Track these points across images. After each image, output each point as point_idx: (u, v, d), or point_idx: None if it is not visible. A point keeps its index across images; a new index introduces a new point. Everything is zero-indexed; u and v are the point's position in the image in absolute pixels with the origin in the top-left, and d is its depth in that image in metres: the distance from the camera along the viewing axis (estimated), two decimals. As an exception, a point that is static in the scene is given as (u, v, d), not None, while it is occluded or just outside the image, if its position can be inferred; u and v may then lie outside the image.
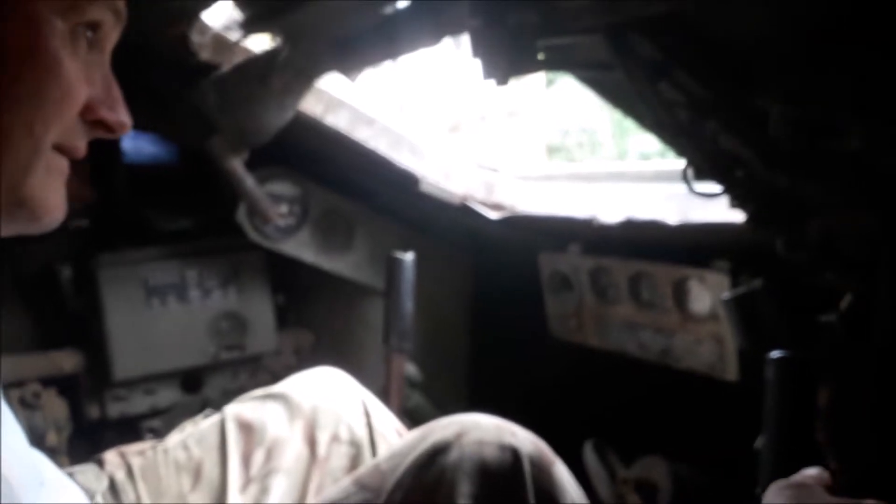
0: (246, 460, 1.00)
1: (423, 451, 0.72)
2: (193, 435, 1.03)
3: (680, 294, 1.28)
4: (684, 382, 1.33)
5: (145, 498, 0.96)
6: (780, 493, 0.54)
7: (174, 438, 1.03)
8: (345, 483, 0.75)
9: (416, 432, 0.75)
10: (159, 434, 1.68)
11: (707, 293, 1.23)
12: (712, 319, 1.23)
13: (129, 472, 0.98)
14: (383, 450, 1.02)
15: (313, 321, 1.94)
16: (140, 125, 1.52)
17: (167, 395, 1.71)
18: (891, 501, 0.95)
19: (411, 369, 1.54)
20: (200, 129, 1.28)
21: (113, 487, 0.96)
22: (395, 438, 1.05)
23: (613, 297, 1.42)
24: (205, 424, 1.04)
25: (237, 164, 1.32)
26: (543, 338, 1.59)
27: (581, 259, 1.46)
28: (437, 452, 0.71)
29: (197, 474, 0.99)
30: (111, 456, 1.00)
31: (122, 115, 0.58)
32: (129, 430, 1.68)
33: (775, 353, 1.02)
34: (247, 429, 1.02)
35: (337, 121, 1.37)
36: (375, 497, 0.71)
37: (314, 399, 1.05)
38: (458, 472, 0.70)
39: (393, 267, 1.43)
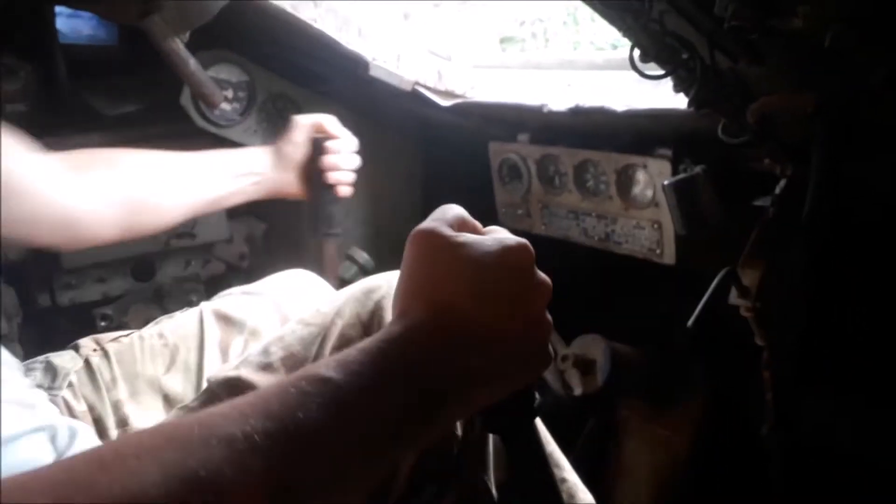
0: (224, 349, 1.04)
1: (357, 291, 0.79)
2: (169, 325, 1.07)
3: (623, 181, 1.31)
4: (624, 266, 1.38)
5: (120, 378, 0.99)
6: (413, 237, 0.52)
7: (150, 328, 1.06)
8: (290, 323, 0.81)
9: (352, 285, 0.82)
10: (112, 321, 1.69)
11: (649, 180, 1.27)
12: (653, 205, 1.27)
13: (105, 355, 1.01)
14: None
15: (264, 209, 1.93)
16: (75, 3, 1.46)
17: (119, 283, 1.71)
18: (813, 375, 1.02)
19: (364, 256, 1.56)
20: (138, 7, 1.23)
21: (88, 366, 0.99)
22: None
23: (560, 185, 1.44)
24: (181, 316, 1.08)
25: (178, 45, 1.27)
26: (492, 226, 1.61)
27: (530, 148, 1.48)
28: (370, 291, 0.78)
29: (172, 358, 1.02)
30: (86, 341, 1.04)
31: None
32: (82, 317, 1.68)
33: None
34: (225, 320, 1.06)
35: (281, 0, 1.33)
36: (319, 329, 0.77)
37: (288, 298, 1.10)
38: (390, 301, 0.75)
39: (313, 150, 1.32)
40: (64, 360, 0.99)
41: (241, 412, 0.42)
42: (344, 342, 0.73)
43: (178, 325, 1.06)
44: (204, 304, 1.09)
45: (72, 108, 1.63)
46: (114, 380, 0.99)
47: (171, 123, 1.68)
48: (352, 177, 1.29)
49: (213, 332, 1.05)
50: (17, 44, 1.53)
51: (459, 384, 0.49)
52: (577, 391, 1.36)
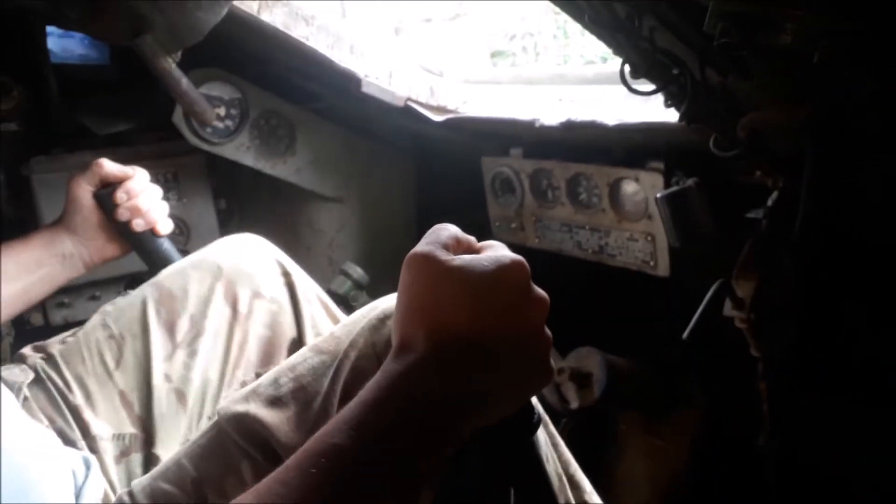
0: (170, 329, 1.01)
1: (373, 318, 0.76)
2: (111, 313, 1.03)
3: (616, 194, 1.32)
4: (618, 279, 1.39)
5: (72, 381, 0.97)
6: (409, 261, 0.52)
7: (93, 320, 1.03)
8: (303, 350, 0.79)
9: (367, 306, 0.80)
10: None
11: (641, 193, 1.27)
12: (646, 218, 1.28)
13: (52, 361, 0.98)
14: (306, 311, 1.06)
15: (257, 226, 1.92)
16: (66, 23, 1.46)
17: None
18: (809, 386, 1.03)
19: (358, 270, 1.56)
20: (130, 26, 1.23)
21: (38, 378, 0.96)
22: (316, 303, 1.08)
23: (553, 198, 1.45)
24: (123, 301, 1.05)
25: (170, 64, 1.27)
26: (487, 240, 1.62)
27: (522, 162, 1.49)
28: (386, 318, 0.75)
29: (119, 350, 1.00)
30: (29, 351, 1.01)
31: None
32: (74, 336, 1.67)
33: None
34: (169, 298, 1.03)
35: (273, 18, 1.33)
36: (331, 358, 0.75)
37: (233, 260, 1.07)
38: None
39: (102, 206, 1.17)
40: (14, 374, 0.96)
41: None
42: (357, 376, 0.72)
43: (120, 313, 1.03)
44: (146, 286, 1.06)
45: (64, 127, 1.63)
46: (67, 384, 0.96)
47: (163, 142, 1.68)
48: (161, 210, 1.17)
49: (156, 312, 1.02)
50: (9, 63, 1.53)
51: (466, 410, 0.49)
52: (574, 405, 1.36)
